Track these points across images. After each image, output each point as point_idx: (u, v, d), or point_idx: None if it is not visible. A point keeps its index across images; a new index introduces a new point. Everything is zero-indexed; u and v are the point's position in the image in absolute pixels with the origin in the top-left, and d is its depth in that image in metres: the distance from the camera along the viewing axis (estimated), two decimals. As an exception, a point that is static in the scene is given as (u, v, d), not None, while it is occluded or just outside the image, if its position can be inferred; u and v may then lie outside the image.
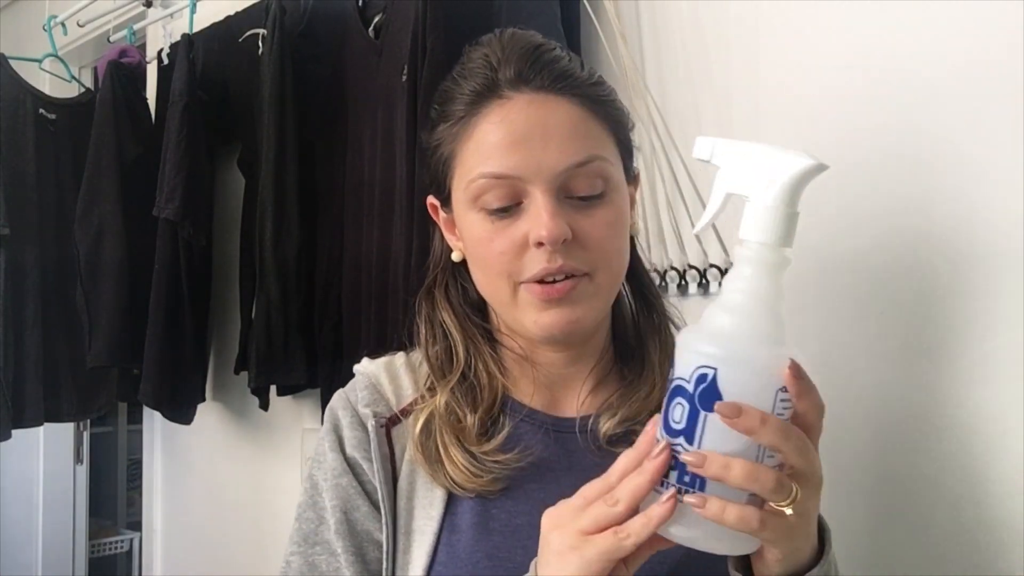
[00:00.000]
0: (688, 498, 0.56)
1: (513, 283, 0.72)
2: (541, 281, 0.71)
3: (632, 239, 0.80)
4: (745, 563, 0.64)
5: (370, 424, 0.77)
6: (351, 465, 0.77)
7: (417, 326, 0.82)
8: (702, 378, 0.57)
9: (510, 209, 0.71)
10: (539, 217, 0.69)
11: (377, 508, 0.76)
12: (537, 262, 0.70)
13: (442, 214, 0.80)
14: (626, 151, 0.78)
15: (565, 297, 0.71)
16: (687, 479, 0.57)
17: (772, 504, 0.57)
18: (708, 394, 0.57)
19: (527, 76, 0.72)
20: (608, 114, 0.75)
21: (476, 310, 0.81)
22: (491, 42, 0.75)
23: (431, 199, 0.81)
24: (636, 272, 0.82)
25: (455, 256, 0.79)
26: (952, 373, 0.96)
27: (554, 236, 0.69)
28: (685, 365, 0.58)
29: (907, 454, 0.98)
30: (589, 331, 0.77)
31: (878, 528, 1.00)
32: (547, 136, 0.70)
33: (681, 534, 0.58)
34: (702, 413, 0.57)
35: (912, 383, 0.98)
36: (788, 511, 0.56)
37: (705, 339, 0.58)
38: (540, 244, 0.70)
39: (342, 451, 0.78)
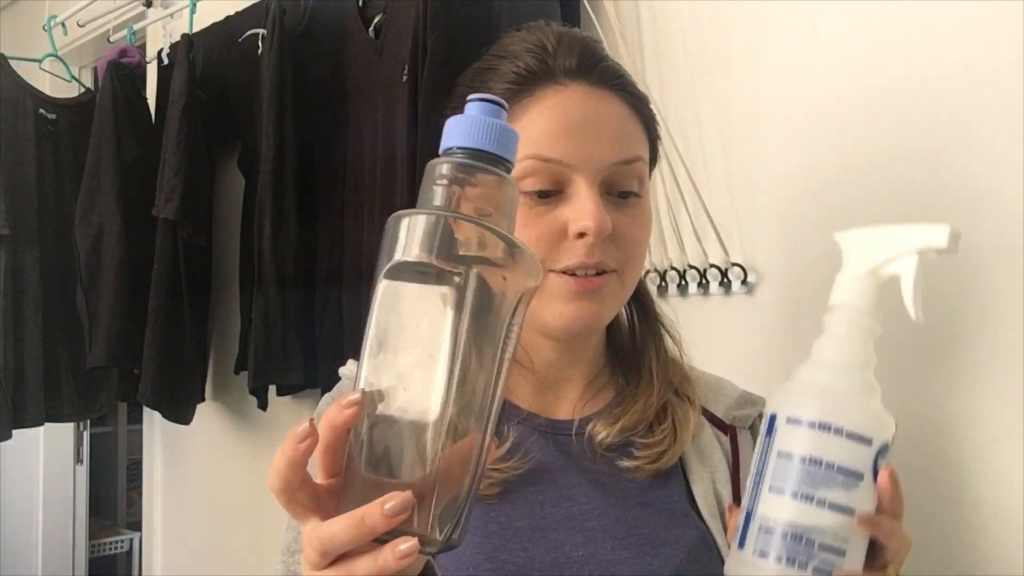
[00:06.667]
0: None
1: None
2: (572, 273, 0.70)
3: None
4: None
5: None
6: None
7: None
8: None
9: (551, 195, 0.70)
10: (585, 208, 0.68)
11: None
12: (574, 254, 0.69)
13: None
14: (654, 160, 0.78)
15: (595, 292, 0.71)
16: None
17: None
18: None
19: (585, 68, 0.72)
20: (648, 120, 0.76)
21: None
22: (539, 30, 0.74)
23: None
24: None
25: None
26: (952, 373, 0.96)
27: (600, 229, 0.68)
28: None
29: (907, 454, 0.98)
30: (600, 328, 0.77)
31: (878, 528, 1.00)
32: (601, 129, 0.70)
33: None
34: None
35: (911, 383, 0.98)
36: None
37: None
38: (581, 235, 0.68)
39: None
